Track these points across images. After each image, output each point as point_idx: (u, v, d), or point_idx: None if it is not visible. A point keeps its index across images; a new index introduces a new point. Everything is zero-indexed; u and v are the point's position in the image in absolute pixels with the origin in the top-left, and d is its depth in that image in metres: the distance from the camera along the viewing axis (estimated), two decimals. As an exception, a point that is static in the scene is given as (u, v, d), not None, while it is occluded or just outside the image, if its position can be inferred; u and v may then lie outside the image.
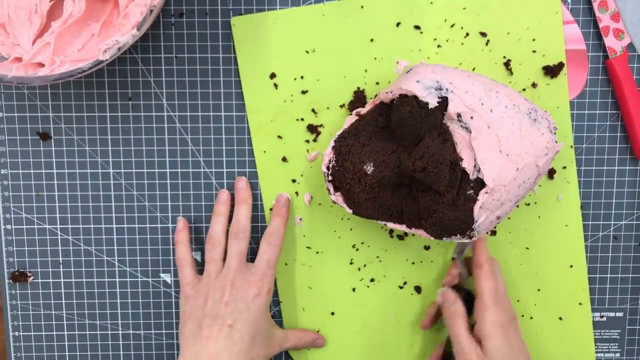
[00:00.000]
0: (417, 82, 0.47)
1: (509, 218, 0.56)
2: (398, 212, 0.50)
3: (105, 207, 0.57)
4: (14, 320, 0.58)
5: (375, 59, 0.54)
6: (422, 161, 0.46)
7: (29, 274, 0.57)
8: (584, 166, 0.56)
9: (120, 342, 0.58)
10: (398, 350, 0.58)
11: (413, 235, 0.56)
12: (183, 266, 0.54)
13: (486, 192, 0.47)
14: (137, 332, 0.58)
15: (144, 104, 0.55)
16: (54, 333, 0.58)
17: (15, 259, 0.57)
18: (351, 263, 0.57)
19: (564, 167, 0.56)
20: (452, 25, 0.54)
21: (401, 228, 0.50)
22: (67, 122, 0.55)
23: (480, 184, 0.47)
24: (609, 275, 0.58)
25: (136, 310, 0.58)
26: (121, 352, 0.59)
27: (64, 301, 0.58)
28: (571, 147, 0.56)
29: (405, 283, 0.57)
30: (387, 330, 0.58)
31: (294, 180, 0.56)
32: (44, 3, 0.49)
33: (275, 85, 0.54)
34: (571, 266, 0.57)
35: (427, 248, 0.57)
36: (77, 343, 0.58)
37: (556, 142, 0.49)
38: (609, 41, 0.54)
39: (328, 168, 0.49)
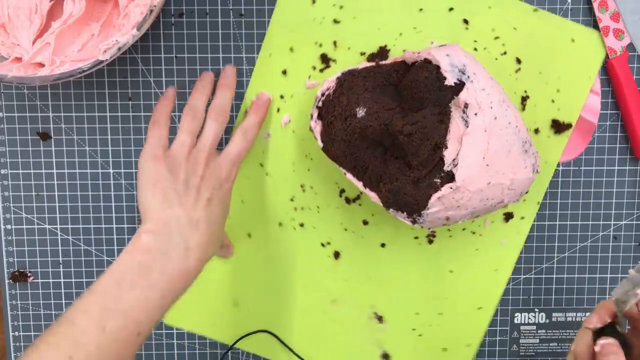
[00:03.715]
0: (447, 55, 0.47)
1: (451, 236, 0.56)
2: (362, 168, 0.49)
3: (105, 207, 0.57)
4: (14, 320, 0.58)
5: (414, 28, 0.53)
6: (411, 127, 0.46)
7: (29, 274, 0.57)
8: (584, 166, 0.56)
9: (120, 342, 0.58)
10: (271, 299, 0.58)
11: (360, 204, 0.56)
12: (160, 126, 0.50)
13: (451, 188, 0.46)
14: (137, 332, 0.58)
15: (144, 104, 0.55)
16: (54, 333, 0.58)
17: (15, 259, 0.57)
18: (291, 200, 0.56)
19: (522, 218, 0.56)
20: (496, 38, 0.54)
21: (357, 184, 0.50)
22: (67, 122, 0.55)
23: (450, 177, 0.46)
24: (609, 275, 0.58)
25: (136, 310, 0.58)
26: (121, 352, 0.59)
27: (64, 301, 0.58)
28: (537, 203, 0.56)
29: (328, 244, 0.57)
30: (283, 278, 0.58)
31: (282, 96, 0.54)
32: (44, 3, 0.49)
33: (314, 1, 0.53)
34: (479, 308, 0.58)
35: (365, 223, 0.57)
36: (77, 343, 0.58)
37: (533, 180, 0.49)
38: (609, 41, 0.54)
39: (323, 94, 0.49)
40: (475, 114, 0.46)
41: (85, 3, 0.49)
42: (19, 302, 0.58)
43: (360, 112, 0.48)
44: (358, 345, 0.58)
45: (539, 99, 0.55)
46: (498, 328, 0.59)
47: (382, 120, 0.48)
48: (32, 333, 0.58)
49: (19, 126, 0.55)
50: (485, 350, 0.59)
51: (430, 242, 0.57)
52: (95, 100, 0.55)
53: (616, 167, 0.56)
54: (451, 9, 0.53)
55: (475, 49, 0.54)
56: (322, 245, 0.57)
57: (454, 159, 0.46)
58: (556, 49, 0.54)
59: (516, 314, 0.59)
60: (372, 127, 0.48)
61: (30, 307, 0.58)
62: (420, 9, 0.53)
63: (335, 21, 0.53)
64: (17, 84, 0.45)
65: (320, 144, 0.50)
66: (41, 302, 0.58)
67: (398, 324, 0.58)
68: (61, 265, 0.57)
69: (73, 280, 0.58)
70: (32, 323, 0.58)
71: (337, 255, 0.57)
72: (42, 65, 0.48)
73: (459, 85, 0.46)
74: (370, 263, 0.57)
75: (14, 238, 0.57)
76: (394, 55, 0.54)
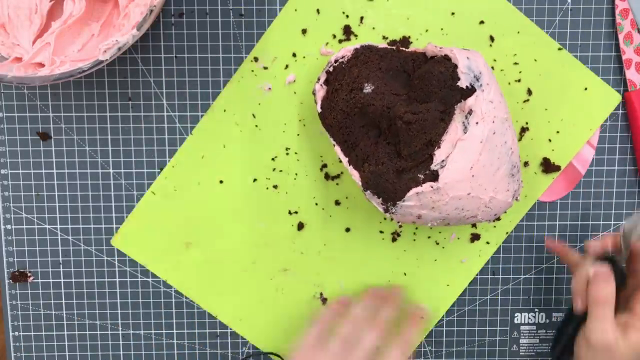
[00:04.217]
0: (467, 58, 0.47)
1: (415, 240, 0.57)
2: (352, 144, 0.50)
3: (105, 207, 0.57)
4: (14, 320, 0.58)
5: (441, 29, 0.54)
6: (413, 117, 0.46)
7: (29, 274, 0.57)
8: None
9: (120, 342, 0.58)
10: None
11: (337, 184, 0.56)
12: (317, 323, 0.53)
13: (431, 187, 0.46)
14: (137, 332, 0.58)
15: (144, 104, 0.55)
16: (54, 333, 0.58)
17: (15, 259, 0.57)
18: (273, 159, 0.56)
19: (487, 243, 0.57)
20: (515, 63, 0.54)
21: (343, 159, 0.50)
22: (67, 122, 0.55)
23: (434, 177, 0.46)
24: (609, 275, 0.58)
25: (136, 310, 0.58)
26: (121, 352, 0.59)
27: (64, 301, 0.58)
28: (506, 233, 0.57)
29: (296, 213, 0.57)
30: (243, 234, 0.57)
31: (294, 54, 0.54)
32: (44, 3, 0.49)
33: None
34: (421, 318, 0.57)
35: (337, 203, 0.56)
36: (77, 343, 0.58)
37: (510, 206, 0.49)
38: (630, 74, 0.54)
39: (336, 61, 0.49)
40: (477, 123, 0.46)
41: (85, 3, 0.49)
42: (19, 302, 0.58)
43: (367, 89, 0.48)
44: (294, 319, 0.58)
45: (537, 134, 0.55)
46: (498, 328, 0.59)
47: (386, 102, 0.48)
48: (32, 333, 0.58)
49: (19, 126, 0.55)
50: (485, 350, 0.59)
51: (394, 240, 0.57)
52: (95, 100, 0.55)
53: (616, 167, 0.56)
54: (482, 22, 0.54)
55: (493, 68, 0.54)
56: (290, 212, 0.57)
57: (442, 160, 0.46)
58: (568, 92, 0.55)
59: (516, 314, 0.59)
60: (374, 106, 0.48)
61: (30, 307, 0.58)
62: (453, 13, 0.54)
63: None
64: (17, 84, 0.45)
65: (319, 109, 0.50)
66: (41, 302, 0.58)
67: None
68: (61, 265, 0.57)
69: (73, 280, 0.58)
70: (32, 323, 0.58)
71: (300, 226, 0.57)
72: (42, 65, 0.48)
73: (470, 91, 0.46)
74: (330, 244, 0.57)
75: (14, 238, 0.57)
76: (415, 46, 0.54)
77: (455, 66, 0.46)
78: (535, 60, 0.54)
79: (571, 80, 0.55)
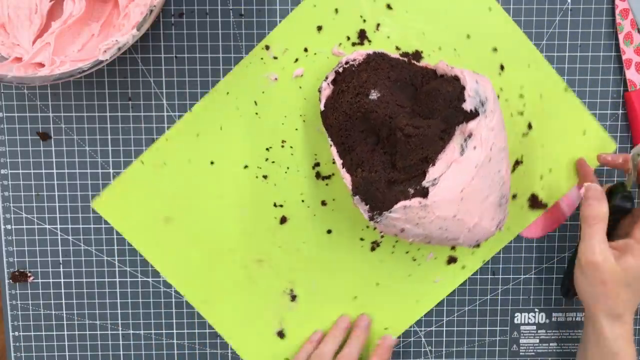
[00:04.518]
0: (476, 82, 0.47)
1: (393, 252, 0.57)
2: (349, 148, 0.50)
3: (105, 207, 0.57)
4: (14, 320, 0.58)
5: (455, 50, 0.54)
6: (413, 130, 0.46)
7: (29, 274, 0.57)
8: (584, 166, 0.56)
9: (120, 342, 0.58)
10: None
11: (327, 184, 0.55)
12: None
13: (420, 202, 0.46)
14: (137, 332, 0.58)
15: (144, 104, 0.55)
16: (54, 333, 0.58)
17: (15, 259, 0.57)
18: (267, 149, 0.55)
19: (463, 267, 0.57)
20: (520, 95, 0.54)
21: (337, 161, 0.50)
22: (67, 122, 0.55)
23: (423, 193, 0.47)
24: (609, 275, 0.58)
25: (136, 310, 0.58)
26: (121, 352, 0.59)
27: (64, 301, 0.58)
28: (483, 261, 0.57)
29: (281, 206, 0.56)
30: (224, 218, 0.56)
31: (306, 50, 0.54)
32: (44, 3, 0.49)
33: None
34: (385, 329, 0.58)
35: (323, 204, 0.56)
36: (77, 343, 0.58)
37: (492, 235, 0.50)
38: (630, 74, 0.54)
39: (347, 62, 0.49)
40: (474, 147, 0.46)
41: (85, 3, 0.49)
42: (19, 302, 0.58)
43: (373, 95, 0.48)
44: (260, 311, 0.58)
45: (530, 169, 0.55)
46: (498, 328, 0.59)
47: (389, 111, 0.48)
48: (32, 333, 0.58)
49: (19, 126, 0.55)
50: (485, 350, 0.59)
51: (373, 249, 0.57)
52: (95, 100, 0.55)
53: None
54: (495, 49, 0.54)
55: (498, 96, 0.54)
56: (275, 205, 0.56)
57: (435, 179, 0.46)
58: (567, 133, 0.55)
59: (516, 314, 0.59)
60: (377, 113, 0.48)
61: (30, 307, 0.58)
62: (468, 36, 0.54)
63: (389, 6, 0.53)
64: (17, 84, 0.45)
65: (322, 108, 0.50)
66: (41, 302, 0.58)
67: (307, 310, 0.58)
68: (61, 265, 0.57)
69: (73, 280, 0.58)
70: (32, 323, 0.58)
71: (283, 220, 0.56)
72: (42, 65, 0.48)
73: (473, 115, 0.46)
74: (310, 242, 0.57)
75: (14, 238, 0.57)
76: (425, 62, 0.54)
77: (463, 88, 0.46)
78: (541, 96, 0.54)
79: (572, 122, 0.55)
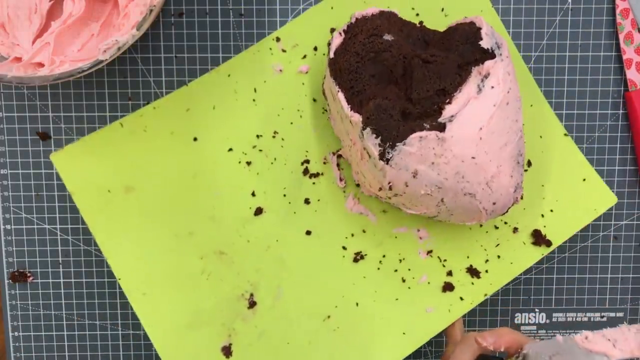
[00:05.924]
0: (486, 35, 0.46)
1: (379, 269, 0.52)
2: (358, 91, 0.47)
3: (105, 207, 0.57)
4: (14, 320, 0.58)
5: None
6: (432, 57, 0.45)
7: (28, 274, 0.57)
8: (584, 166, 0.56)
9: (120, 342, 0.58)
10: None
11: (314, 183, 0.53)
12: None
13: (437, 136, 0.43)
14: (137, 332, 0.58)
15: (143, 104, 0.55)
16: (54, 333, 0.58)
17: (15, 259, 0.57)
18: (257, 137, 0.53)
19: (461, 299, 0.54)
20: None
21: (344, 105, 0.47)
22: (67, 122, 0.55)
23: (440, 129, 0.44)
24: (609, 276, 0.58)
25: (136, 310, 0.58)
26: (121, 352, 0.59)
27: (63, 301, 0.58)
28: (485, 295, 0.54)
29: (259, 196, 0.53)
30: (194, 200, 0.52)
31: (315, 48, 0.53)
32: (43, 3, 0.49)
33: None
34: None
35: (306, 202, 0.53)
36: (77, 343, 0.58)
37: (512, 200, 0.47)
38: (631, 74, 0.54)
39: (362, 15, 0.48)
40: (492, 87, 0.44)
41: (85, 3, 0.49)
42: (18, 302, 0.58)
43: (388, 36, 0.47)
44: (208, 315, 0.51)
45: (531, 206, 0.54)
46: (498, 328, 0.59)
47: (403, 51, 0.46)
48: (32, 333, 0.58)
49: (19, 126, 0.55)
50: (485, 350, 0.59)
51: (356, 260, 0.52)
52: (95, 100, 0.55)
53: (616, 167, 0.56)
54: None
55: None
56: (253, 194, 0.52)
57: (452, 115, 0.44)
58: (565, 177, 0.54)
59: (516, 314, 0.59)
60: (390, 53, 0.46)
61: (30, 307, 0.58)
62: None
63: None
64: (17, 84, 0.45)
65: (331, 55, 0.48)
66: (41, 302, 0.58)
67: (265, 326, 0.51)
68: (61, 265, 0.57)
69: (73, 280, 0.57)
70: (32, 323, 0.58)
71: (258, 211, 0.52)
72: (41, 65, 0.48)
73: (490, 54, 0.45)
74: (284, 241, 0.52)
75: (13, 238, 0.57)
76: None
77: (480, 28, 0.46)
78: (541, 137, 0.54)
79: (570, 167, 0.54)
